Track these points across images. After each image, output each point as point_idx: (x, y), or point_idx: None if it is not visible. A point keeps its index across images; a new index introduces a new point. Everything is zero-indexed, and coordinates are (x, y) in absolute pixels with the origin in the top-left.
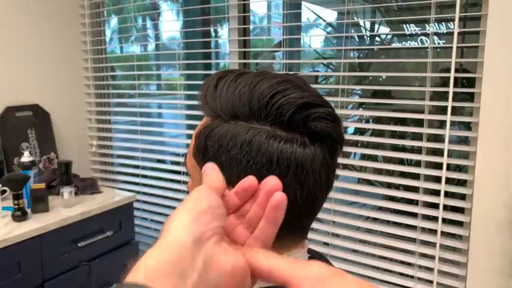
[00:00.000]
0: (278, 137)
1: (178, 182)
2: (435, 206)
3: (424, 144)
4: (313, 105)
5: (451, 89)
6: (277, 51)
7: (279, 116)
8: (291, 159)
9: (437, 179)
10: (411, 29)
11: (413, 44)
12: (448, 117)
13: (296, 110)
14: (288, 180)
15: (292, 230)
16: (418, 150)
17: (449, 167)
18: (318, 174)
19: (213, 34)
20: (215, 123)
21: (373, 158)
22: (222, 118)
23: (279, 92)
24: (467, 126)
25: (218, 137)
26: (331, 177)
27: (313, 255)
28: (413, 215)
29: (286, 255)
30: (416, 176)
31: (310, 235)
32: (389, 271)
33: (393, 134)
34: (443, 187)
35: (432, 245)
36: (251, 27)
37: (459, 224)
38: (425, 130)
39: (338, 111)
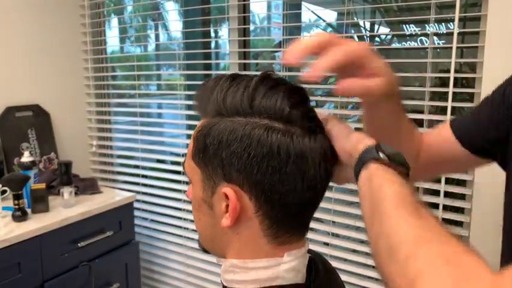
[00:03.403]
0: (276, 129)
1: (178, 182)
2: (435, 206)
3: None
4: (304, 100)
5: (450, 89)
6: (277, 51)
7: (279, 111)
8: (291, 149)
9: (437, 179)
10: (411, 29)
11: (412, 44)
12: (448, 118)
13: (294, 105)
14: (288, 169)
15: (294, 224)
16: None
17: None
18: (318, 164)
19: (213, 34)
20: (214, 120)
21: None
22: (223, 115)
23: (278, 90)
24: None
25: (218, 133)
26: (329, 167)
27: (313, 255)
28: None
29: (287, 255)
30: None
31: (310, 235)
32: None
33: None
34: (443, 187)
35: None
36: (251, 27)
37: (459, 224)
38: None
39: (338, 112)
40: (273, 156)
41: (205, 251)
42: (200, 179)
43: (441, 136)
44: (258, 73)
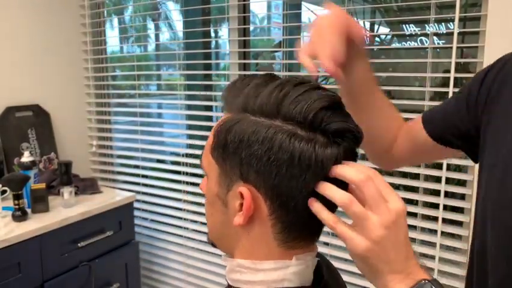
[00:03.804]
0: (299, 136)
1: (178, 182)
2: (435, 206)
3: None
4: (332, 107)
5: (450, 89)
6: (277, 51)
7: (304, 117)
8: (313, 159)
9: (437, 179)
10: (411, 29)
11: (412, 44)
12: None
13: (317, 112)
14: (307, 177)
15: (306, 230)
16: None
17: (449, 167)
18: None
19: (213, 34)
20: (238, 117)
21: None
22: (248, 112)
23: (309, 96)
24: None
25: (240, 131)
26: None
27: (319, 258)
28: (413, 215)
29: (296, 258)
30: (416, 176)
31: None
32: None
33: None
34: (443, 187)
35: (432, 245)
36: (251, 27)
37: (459, 224)
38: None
39: None
40: (293, 163)
41: (213, 245)
42: (217, 174)
43: (414, 125)
44: (298, 77)
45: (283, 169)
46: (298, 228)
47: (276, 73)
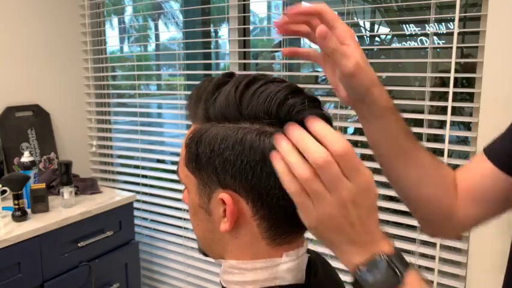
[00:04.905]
0: (268, 133)
1: (178, 182)
2: None
3: (424, 144)
4: (293, 95)
5: (450, 89)
6: (277, 51)
7: (267, 112)
8: None
9: None
10: (411, 29)
11: (412, 44)
12: (448, 117)
13: (279, 104)
14: None
15: (291, 224)
16: None
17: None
18: None
19: (213, 34)
20: (204, 127)
21: (373, 158)
22: (212, 122)
23: (263, 91)
24: (467, 126)
25: (209, 141)
26: None
27: (313, 255)
28: None
29: (285, 255)
30: None
31: (310, 235)
32: None
33: None
34: None
35: (432, 245)
36: (251, 27)
37: None
38: (425, 130)
39: (338, 112)
40: (266, 162)
41: (205, 255)
42: (195, 185)
43: (476, 167)
44: (249, 74)
45: (258, 169)
46: (284, 223)
47: (275, 73)
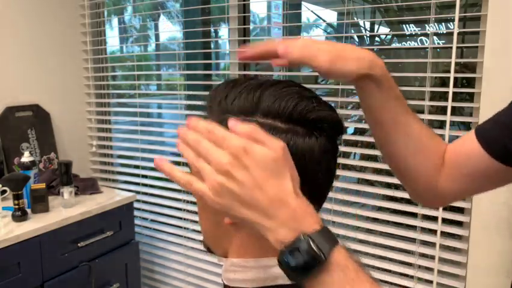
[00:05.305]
0: (280, 129)
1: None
2: None
3: None
4: (308, 98)
5: (450, 89)
6: None
7: (282, 111)
8: (292, 150)
9: None
10: (411, 29)
11: (412, 44)
12: (448, 118)
13: (296, 104)
14: None
15: None
16: None
17: None
18: (320, 162)
19: (213, 34)
20: (219, 119)
21: (373, 158)
22: (228, 113)
23: (284, 91)
24: (467, 126)
25: None
26: (332, 164)
27: None
28: (413, 215)
29: None
30: None
31: None
32: (389, 271)
33: None
34: None
35: (432, 245)
36: (251, 27)
37: (459, 224)
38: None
39: (338, 111)
40: None
41: (209, 250)
42: None
43: (465, 144)
44: (269, 76)
45: None
46: None
47: (276, 73)
